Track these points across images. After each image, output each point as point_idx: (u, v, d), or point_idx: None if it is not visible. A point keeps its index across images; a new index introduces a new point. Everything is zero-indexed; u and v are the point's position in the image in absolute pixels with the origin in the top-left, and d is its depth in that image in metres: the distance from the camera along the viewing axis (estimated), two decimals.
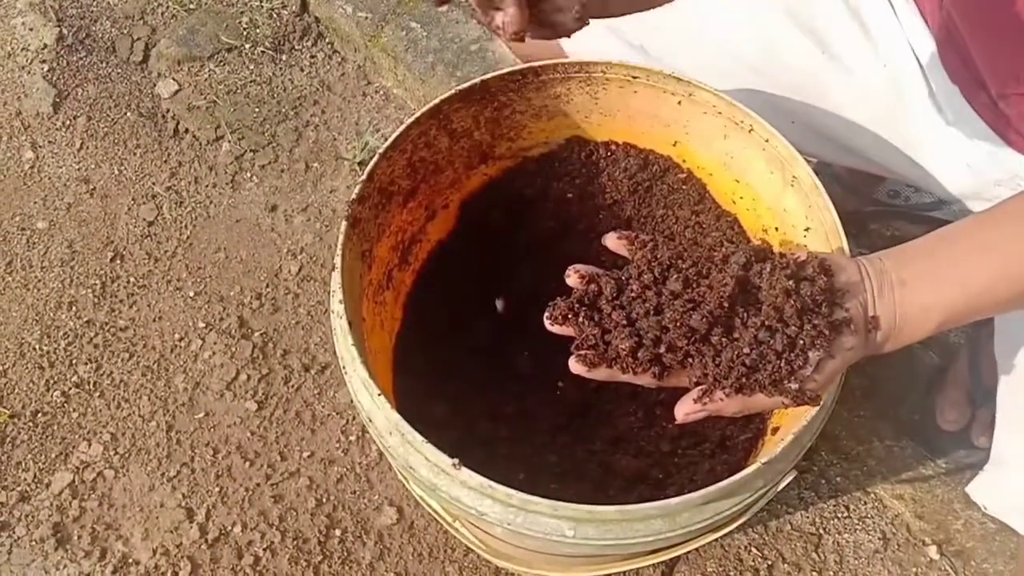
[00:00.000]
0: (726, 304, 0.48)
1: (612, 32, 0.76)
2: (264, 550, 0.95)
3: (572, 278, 0.52)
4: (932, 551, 0.95)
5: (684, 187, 0.79)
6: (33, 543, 0.95)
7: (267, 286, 1.13)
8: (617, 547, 0.56)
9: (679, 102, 0.72)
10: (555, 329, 0.51)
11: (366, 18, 1.27)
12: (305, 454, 1.01)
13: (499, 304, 0.83)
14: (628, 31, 0.75)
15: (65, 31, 1.32)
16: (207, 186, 1.21)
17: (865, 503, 0.98)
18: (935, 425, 0.98)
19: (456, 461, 0.54)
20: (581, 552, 0.58)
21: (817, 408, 0.55)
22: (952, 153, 0.72)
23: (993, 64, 0.64)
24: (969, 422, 0.97)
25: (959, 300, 0.50)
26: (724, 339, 0.48)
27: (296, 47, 1.33)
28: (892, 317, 0.50)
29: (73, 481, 0.99)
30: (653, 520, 0.55)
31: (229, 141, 1.24)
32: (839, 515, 0.97)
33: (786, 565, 0.95)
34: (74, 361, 1.07)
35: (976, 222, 0.52)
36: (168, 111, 1.27)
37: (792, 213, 0.70)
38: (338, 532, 0.96)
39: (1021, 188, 0.70)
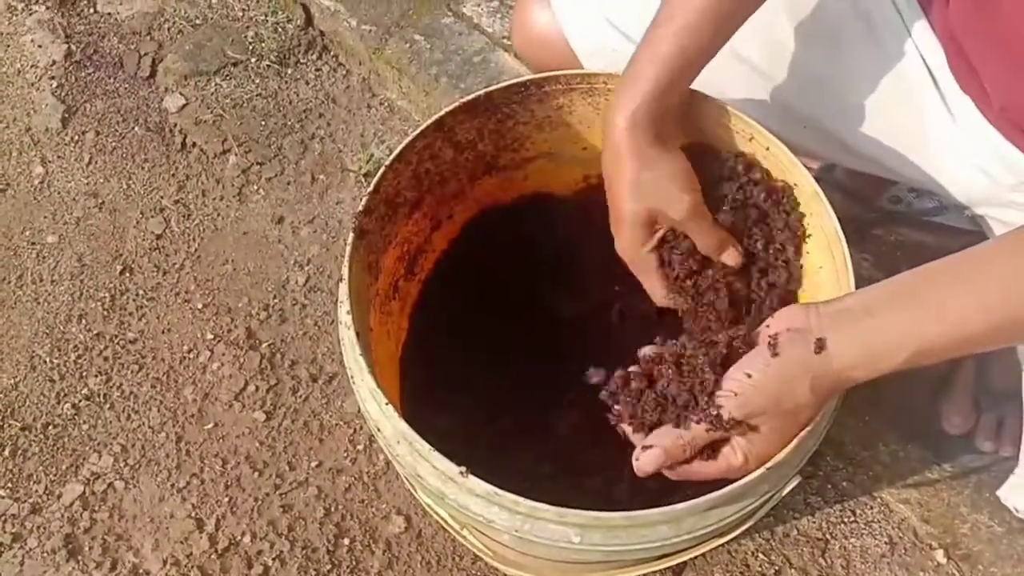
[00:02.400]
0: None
1: (627, 39, 0.76)
2: (273, 559, 0.95)
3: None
4: (939, 555, 0.95)
5: None
6: (45, 554, 0.96)
7: (274, 297, 1.14)
8: (623, 553, 0.56)
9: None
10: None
11: (370, 31, 1.28)
12: (313, 464, 1.01)
13: None
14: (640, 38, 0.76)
15: (73, 47, 1.34)
16: (214, 199, 1.23)
17: (871, 508, 0.98)
18: (940, 429, 0.98)
19: (464, 469, 0.54)
20: (588, 558, 0.59)
21: (821, 414, 0.56)
22: (965, 159, 0.72)
23: (995, 81, 0.65)
24: (974, 426, 0.97)
25: (933, 330, 0.50)
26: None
27: (301, 60, 1.34)
28: (858, 346, 0.51)
29: (84, 493, 1.00)
30: (659, 526, 0.55)
31: (236, 154, 1.25)
32: (845, 520, 0.97)
33: (793, 570, 0.95)
34: (84, 374, 1.08)
35: (957, 256, 0.52)
36: (175, 125, 1.28)
37: None
38: (347, 541, 0.97)
39: None
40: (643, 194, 0.64)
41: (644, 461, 0.54)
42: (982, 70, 0.66)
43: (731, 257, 0.69)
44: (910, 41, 0.72)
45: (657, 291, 0.70)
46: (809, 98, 0.75)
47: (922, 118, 0.72)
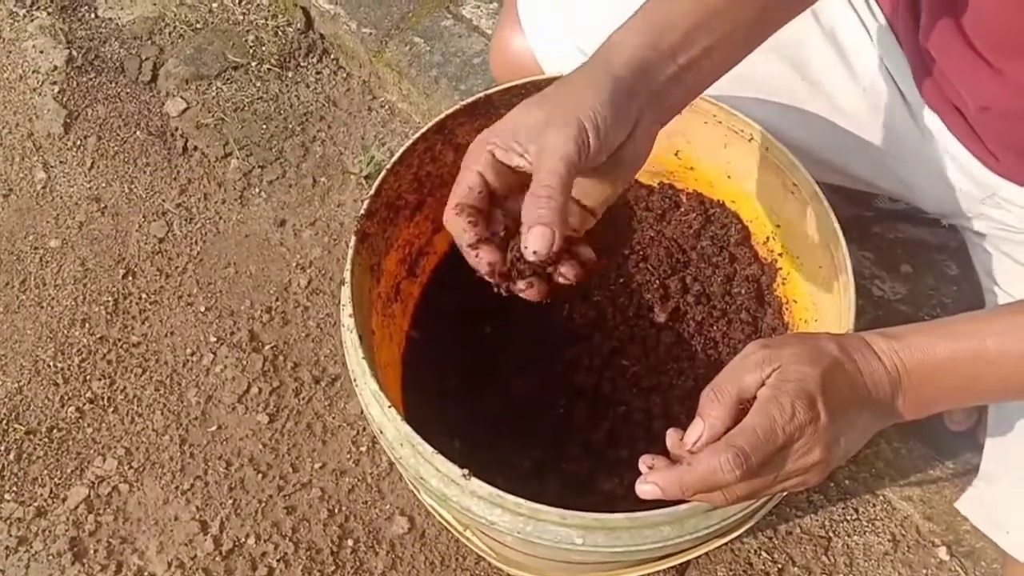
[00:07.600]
0: None
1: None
2: (278, 561, 0.96)
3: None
4: (942, 552, 0.95)
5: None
6: (50, 557, 0.96)
7: (277, 300, 1.14)
8: (626, 554, 0.57)
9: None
10: None
11: (370, 34, 1.28)
12: (317, 465, 1.02)
13: None
14: None
15: (75, 53, 1.34)
16: (216, 202, 1.23)
17: (874, 505, 0.98)
18: (942, 426, 0.98)
19: (466, 472, 0.55)
20: (591, 559, 0.59)
21: None
22: (934, 173, 0.73)
23: (971, 85, 0.65)
24: (976, 423, 0.98)
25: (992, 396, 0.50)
26: None
27: (302, 64, 1.34)
28: (918, 408, 0.51)
29: (89, 496, 1.00)
30: (661, 526, 0.55)
31: (237, 157, 1.26)
32: (848, 518, 0.98)
33: (796, 568, 0.95)
34: (88, 377, 1.08)
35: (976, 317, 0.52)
36: (177, 129, 1.29)
37: (793, 220, 0.71)
38: (350, 542, 0.97)
39: (1002, 206, 0.71)
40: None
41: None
42: (956, 78, 0.66)
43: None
44: (878, 58, 0.72)
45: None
46: (778, 115, 0.75)
47: (892, 134, 0.73)
